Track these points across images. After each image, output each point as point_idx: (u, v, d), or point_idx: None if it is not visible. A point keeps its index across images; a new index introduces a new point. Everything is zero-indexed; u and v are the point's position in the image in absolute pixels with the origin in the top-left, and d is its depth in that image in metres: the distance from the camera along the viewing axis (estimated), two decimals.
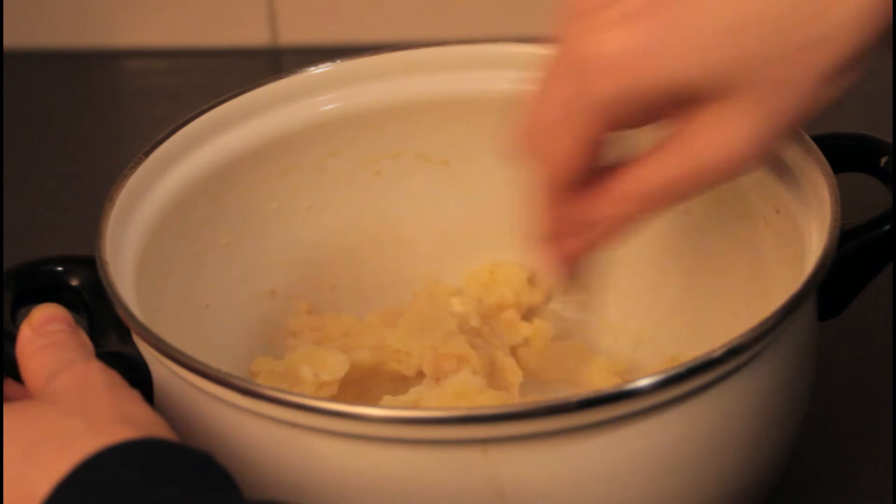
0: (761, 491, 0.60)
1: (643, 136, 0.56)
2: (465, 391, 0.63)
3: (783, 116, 0.52)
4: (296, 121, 0.71)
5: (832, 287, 0.61)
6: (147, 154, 0.66)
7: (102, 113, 1.02)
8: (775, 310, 0.55)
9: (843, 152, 0.65)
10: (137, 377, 0.59)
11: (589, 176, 0.56)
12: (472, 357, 0.68)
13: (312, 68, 0.71)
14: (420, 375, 0.68)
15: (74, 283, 0.63)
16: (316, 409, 0.52)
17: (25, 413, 0.50)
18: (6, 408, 0.50)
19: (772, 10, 0.50)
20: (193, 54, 1.05)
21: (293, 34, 1.05)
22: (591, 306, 0.75)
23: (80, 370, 0.52)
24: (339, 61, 0.71)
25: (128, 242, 0.63)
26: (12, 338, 0.57)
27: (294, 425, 0.53)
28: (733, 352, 0.53)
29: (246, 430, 0.55)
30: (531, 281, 0.75)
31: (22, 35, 1.05)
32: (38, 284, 0.63)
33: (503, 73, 0.71)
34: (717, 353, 0.53)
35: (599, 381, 0.69)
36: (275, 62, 1.04)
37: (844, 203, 0.59)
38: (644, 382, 0.52)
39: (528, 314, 0.75)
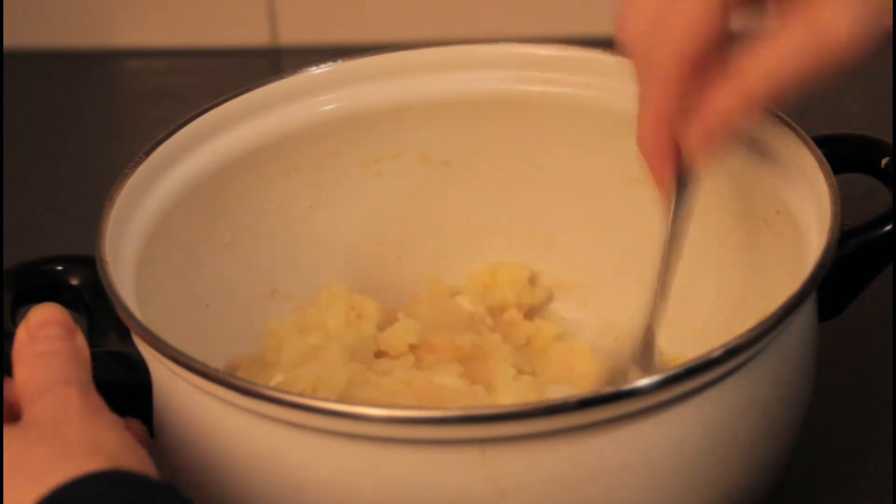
0: (761, 491, 0.60)
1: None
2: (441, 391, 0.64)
3: None
4: (296, 121, 0.71)
5: (832, 287, 0.61)
6: (147, 154, 0.66)
7: (102, 113, 1.02)
8: (774, 310, 0.55)
9: (844, 153, 0.65)
10: (137, 377, 0.59)
11: (711, 58, 0.54)
12: (502, 349, 0.68)
13: (312, 68, 0.71)
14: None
15: (74, 282, 0.63)
16: (315, 408, 0.52)
17: None
18: None
19: None
20: (193, 54, 1.05)
21: (293, 34, 1.05)
22: (592, 306, 0.75)
23: (59, 395, 0.52)
24: (339, 61, 0.71)
25: (128, 242, 0.63)
26: (12, 337, 0.57)
27: (293, 425, 0.53)
28: (732, 352, 0.53)
29: (245, 430, 0.55)
30: (532, 281, 0.76)
31: (22, 35, 1.05)
32: (38, 284, 0.63)
33: (503, 73, 0.71)
34: (716, 354, 0.53)
35: (600, 381, 0.69)
36: (275, 62, 1.04)
37: (845, 204, 0.59)
38: (643, 383, 0.52)
39: (528, 314, 0.75)
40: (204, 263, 0.70)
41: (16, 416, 0.53)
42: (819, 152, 0.62)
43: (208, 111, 0.69)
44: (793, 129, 0.63)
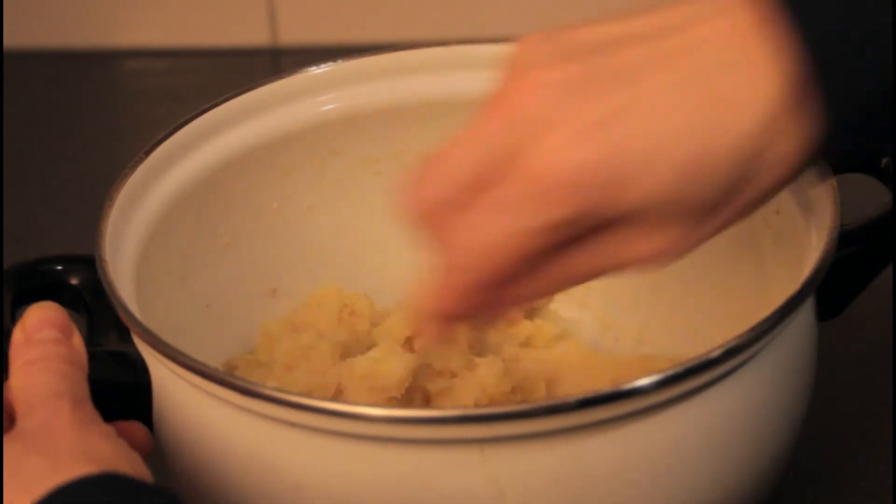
0: (761, 491, 0.60)
1: None
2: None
3: (709, 233, 0.53)
4: (296, 121, 0.71)
5: (832, 288, 0.61)
6: (147, 154, 0.66)
7: (102, 113, 1.02)
8: (773, 310, 0.55)
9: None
10: (136, 377, 0.59)
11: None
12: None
13: (312, 68, 0.71)
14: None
15: (74, 282, 0.63)
16: (314, 408, 0.52)
17: None
18: None
19: (728, 142, 0.50)
20: (193, 54, 1.05)
21: (293, 34, 1.05)
22: (592, 306, 0.75)
23: (51, 408, 0.52)
24: (339, 61, 0.71)
25: (128, 242, 0.63)
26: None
27: (293, 425, 0.53)
28: (731, 352, 0.53)
29: (244, 430, 0.55)
30: None
31: (22, 35, 1.05)
32: (37, 284, 0.63)
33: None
34: (715, 354, 0.53)
35: (600, 381, 0.69)
36: (275, 62, 1.04)
37: (845, 204, 0.59)
38: (642, 382, 0.52)
39: (528, 314, 0.75)
40: (204, 263, 0.70)
41: (10, 419, 0.53)
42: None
43: (208, 111, 0.69)
44: None
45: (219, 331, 0.70)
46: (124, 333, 0.60)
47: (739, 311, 0.67)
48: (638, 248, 0.52)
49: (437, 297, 0.54)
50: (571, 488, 0.53)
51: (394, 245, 0.75)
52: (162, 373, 0.58)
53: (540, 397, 0.68)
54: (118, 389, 0.58)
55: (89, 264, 0.61)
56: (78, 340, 0.56)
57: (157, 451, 0.59)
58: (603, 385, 0.53)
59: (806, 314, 0.60)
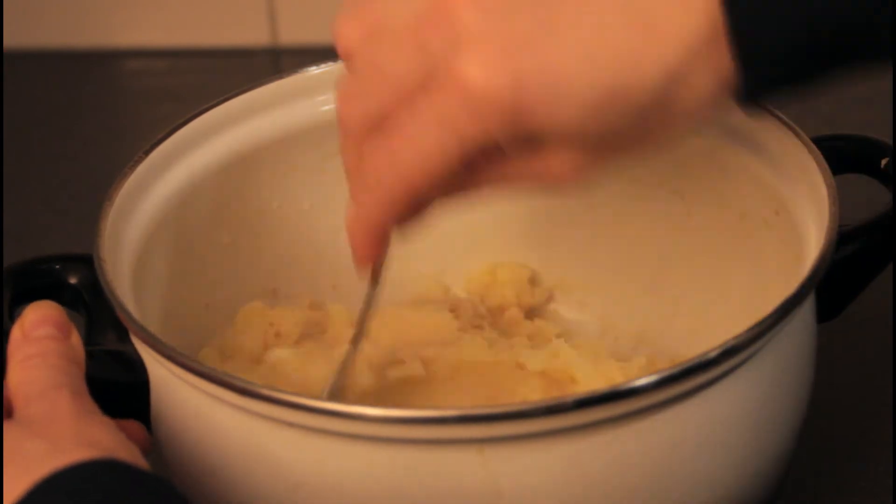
0: (760, 491, 0.59)
1: None
2: None
3: (612, 162, 0.53)
4: (296, 121, 0.71)
5: (831, 288, 0.61)
6: (147, 154, 0.66)
7: (102, 113, 1.02)
8: (772, 311, 0.55)
9: (844, 154, 0.65)
10: (134, 376, 0.59)
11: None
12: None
13: (312, 68, 0.71)
14: None
15: (73, 281, 0.63)
16: (312, 408, 0.52)
17: None
18: None
19: (646, 72, 0.50)
20: (193, 54, 1.05)
21: (293, 34, 1.05)
22: (592, 306, 0.75)
23: (50, 398, 0.52)
24: (339, 61, 0.71)
25: (127, 241, 0.63)
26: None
27: (290, 424, 0.53)
28: (729, 353, 0.53)
29: (242, 430, 0.55)
30: (532, 281, 0.75)
31: (22, 35, 1.05)
32: (36, 283, 0.63)
33: None
34: (713, 354, 0.53)
35: (599, 381, 0.69)
36: (275, 62, 1.04)
37: (844, 205, 0.59)
38: (640, 382, 0.52)
39: (529, 314, 0.75)
40: (204, 263, 0.70)
41: (9, 415, 0.53)
42: (819, 153, 0.62)
43: (208, 111, 0.69)
44: (793, 129, 0.63)
45: (218, 331, 0.70)
46: (123, 333, 0.60)
47: (739, 312, 0.67)
48: (539, 167, 0.53)
49: (366, 210, 0.55)
50: (570, 488, 0.53)
51: (394, 246, 0.75)
52: (160, 372, 0.58)
53: (538, 397, 0.67)
54: (116, 388, 0.58)
55: (88, 264, 0.61)
56: (76, 339, 0.56)
57: (154, 450, 0.59)
58: (601, 385, 0.53)
59: (805, 314, 0.60)
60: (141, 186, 0.65)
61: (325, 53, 0.72)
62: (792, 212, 0.63)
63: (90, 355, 0.56)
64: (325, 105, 0.71)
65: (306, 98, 0.71)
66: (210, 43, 1.05)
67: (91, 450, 0.49)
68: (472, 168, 0.54)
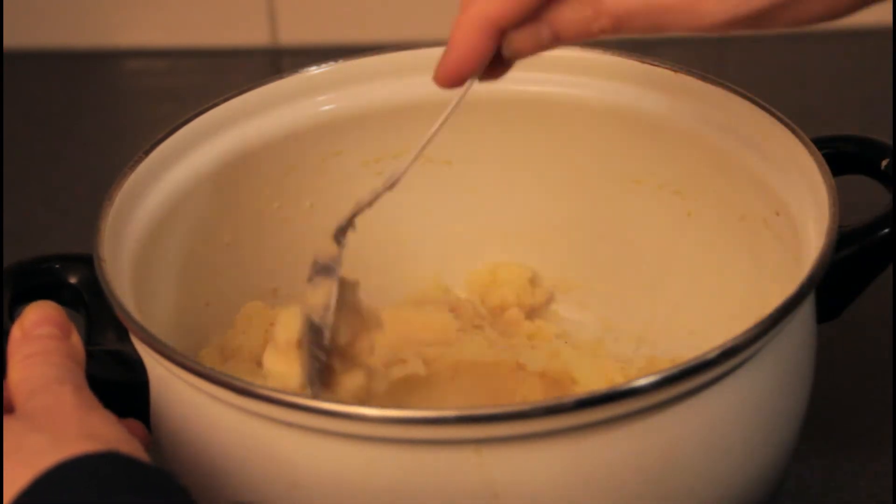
0: (760, 491, 0.59)
1: None
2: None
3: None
4: (296, 121, 0.71)
5: (831, 289, 0.61)
6: (146, 154, 0.66)
7: (102, 113, 1.02)
8: (772, 311, 0.55)
9: (844, 155, 0.65)
10: (134, 376, 0.59)
11: None
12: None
13: (312, 68, 0.71)
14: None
15: (73, 280, 0.63)
16: (311, 408, 0.52)
17: None
18: None
19: None
20: (193, 54, 1.05)
21: (293, 34, 1.05)
22: (592, 306, 0.75)
23: (53, 392, 0.53)
24: (339, 61, 0.71)
25: (127, 241, 0.63)
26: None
27: (289, 424, 0.53)
28: (728, 353, 0.53)
29: (240, 429, 0.55)
30: (532, 281, 0.76)
31: (22, 35, 1.05)
32: (36, 282, 0.63)
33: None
34: (712, 355, 0.53)
35: (599, 381, 0.69)
36: (275, 62, 1.04)
37: (845, 205, 0.59)
38: (639, 383, 0.52)
39: (529, 314, 0.75)
40: (204, 263, 0.70)
41: (10, 411, 0.53)
42: (819, 154, 0.62)
43: (208, 111, 0.69)
44: (793, 130, 0.63)
45: (218, 331, 0.70)
46: (123, 333, 0.60)
47: (739, 312, 0.67)
48: None
49: (457, 29, 0.55)
50: (568, 489, 0.53)
51: (394, 245, 0.75)
52: (159, 372, 0.58)
53: (538, 398, 0.68)
54: (116, 388, 0.58)
55: (88, 263, 0.61)
56: (76, 339, 0.56)
57: (154, 449, 0.59)
58: (601, 386, 0.53)
59: (805, 315, 0.60)
60: (141, 186, 0.65)
61: (325, 53, 0.72)
62: (792, 212, 0.63)
63: (90, 355, 0.56)
64: (325, 105, 0.71)
65: (306, 98, 0.71)
66: (210, 43, 1.05)
67: (93, 442, 0.49)
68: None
